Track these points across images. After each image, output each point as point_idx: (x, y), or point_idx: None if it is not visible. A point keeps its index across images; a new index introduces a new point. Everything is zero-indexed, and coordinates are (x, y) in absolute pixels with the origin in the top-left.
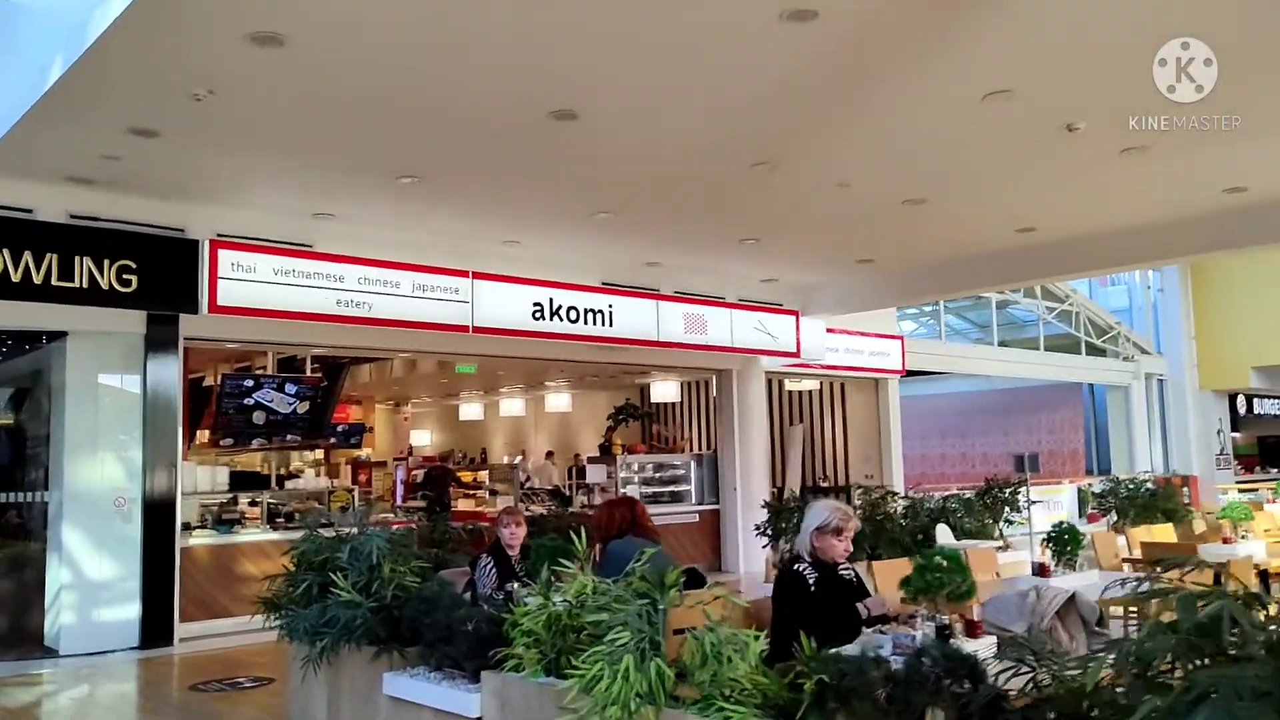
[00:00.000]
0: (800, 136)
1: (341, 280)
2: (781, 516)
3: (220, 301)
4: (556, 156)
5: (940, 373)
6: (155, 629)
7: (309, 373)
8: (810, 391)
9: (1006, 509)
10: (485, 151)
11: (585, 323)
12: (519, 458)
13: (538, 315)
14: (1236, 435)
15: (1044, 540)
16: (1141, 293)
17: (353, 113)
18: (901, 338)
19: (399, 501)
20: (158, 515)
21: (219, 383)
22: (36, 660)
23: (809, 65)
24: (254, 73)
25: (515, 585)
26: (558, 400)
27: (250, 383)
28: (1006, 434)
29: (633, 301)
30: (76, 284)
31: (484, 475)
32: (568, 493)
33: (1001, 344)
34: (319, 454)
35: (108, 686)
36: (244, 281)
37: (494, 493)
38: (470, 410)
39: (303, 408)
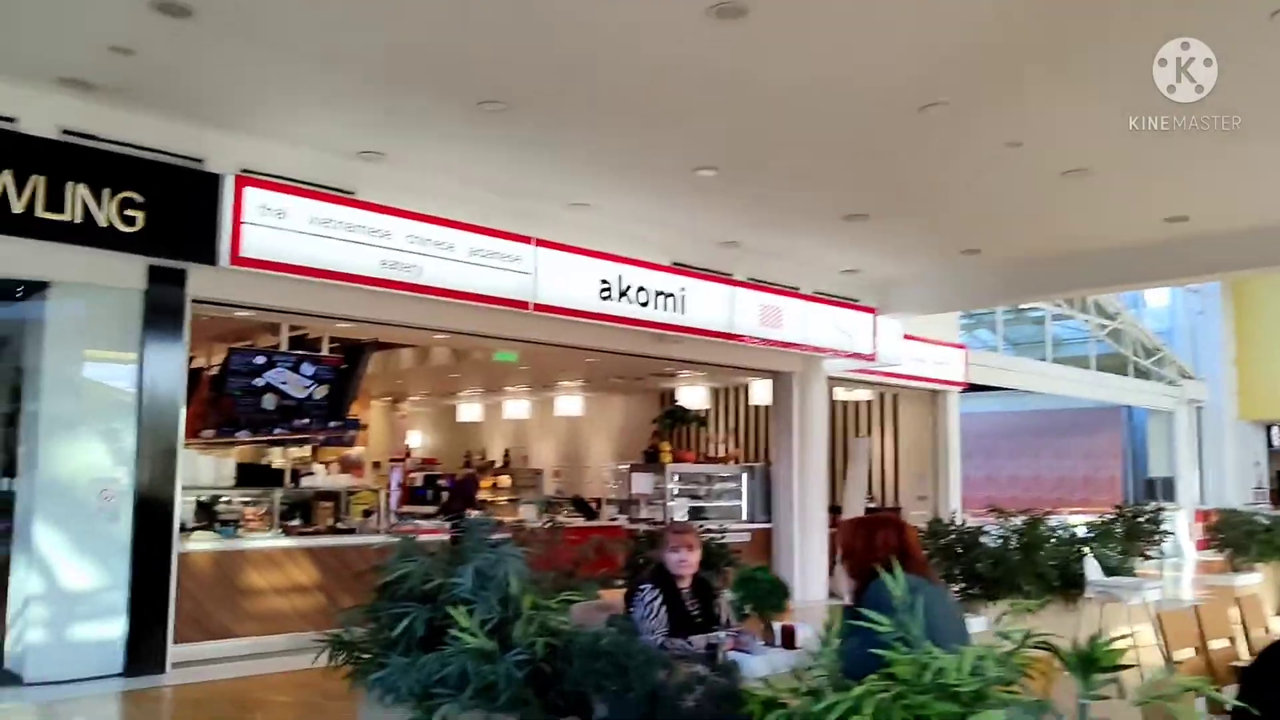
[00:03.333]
0: (1000, 71)
1: (388, 236)
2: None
3: (244, 252)
4: (694, 75)
5: (966, 390)
6: (144, 652)
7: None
8: (860, 403)
9: (1148, 540)
10: (604, 66)
11: (655, 307)
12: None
13: (605, 295)
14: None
15: None
16: (1182, 314)
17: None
18: (965, 347)
19: (393, 507)
20: (152, 513)
21: (225, 359)
22: None
23: None
24: None
25: (722, 637)
26: (568, 404)
27: (262, 360)
28: (1036, 457)
29: (707, 286)
30: (68, 217)
31: (504, 480)
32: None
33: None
34: (305, 451)
35: None
36: (274, 229)
37: (514, 501)
38: (469, 411)
39: (320, 392)
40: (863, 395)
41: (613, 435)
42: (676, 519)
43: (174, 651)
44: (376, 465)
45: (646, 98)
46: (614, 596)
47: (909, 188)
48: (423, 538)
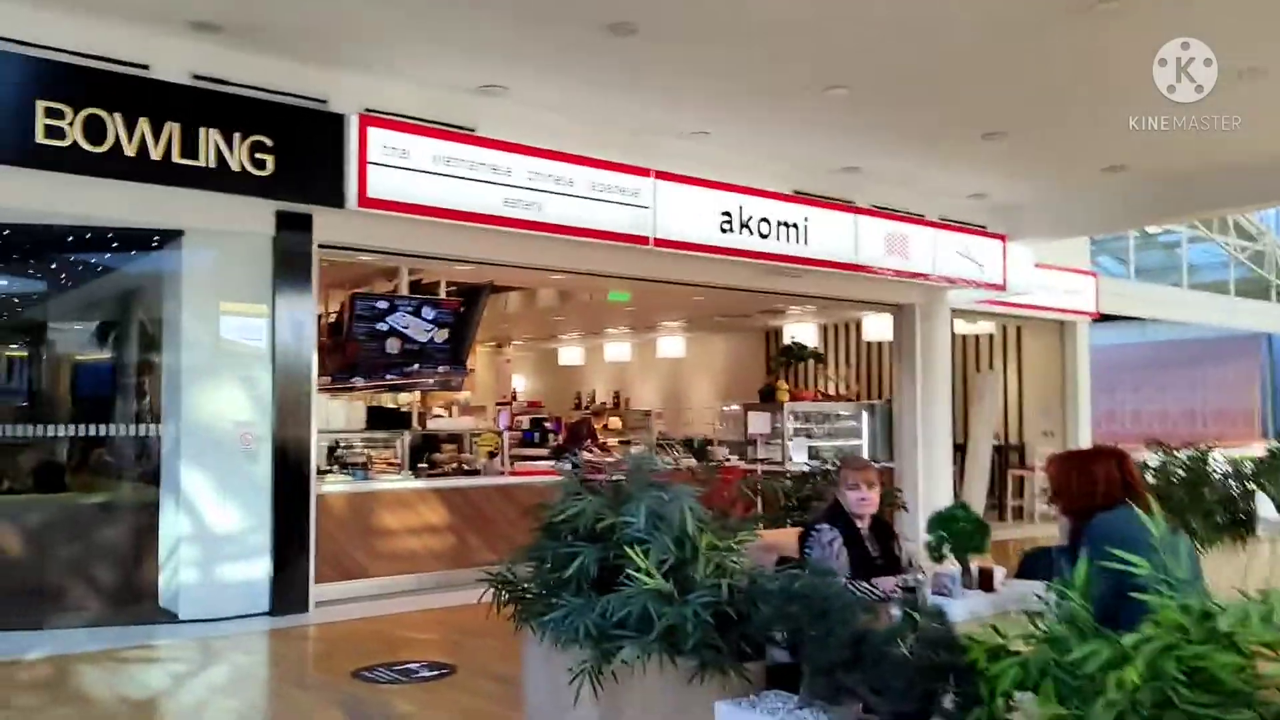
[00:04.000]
0: None
1: (509, 174)
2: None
3: (371, 193)
4: None
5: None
6: (288, 592)
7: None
8: (981, 336)
9: None
10: None
11: (777, 238)
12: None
13: (726, 227)
14: None
15: None
16: None
17: None
18: (1095, 274)
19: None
20: (289, 456)
21: (346, 304)
22: (154, 626)
23: None
24: None
25: (921, 579)
26: (670, 345)
27: (384, 304)
28: (1162, 390)
29: (829, 215)
30: (202, 162)
31: (615, 423)
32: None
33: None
34: (415, 396)
35: (251, 668)
36: (397, 169)
37: (627, 443)
38: (570, 354)
39: (441, 335)
40: (985, 328)
41: (715, 375)
42: (853, 457)
43: (314, 591)
44: (482, 409)
45: (780, 11)
46: (772, 537)
47: (1058, 100)
48: (544, 479)
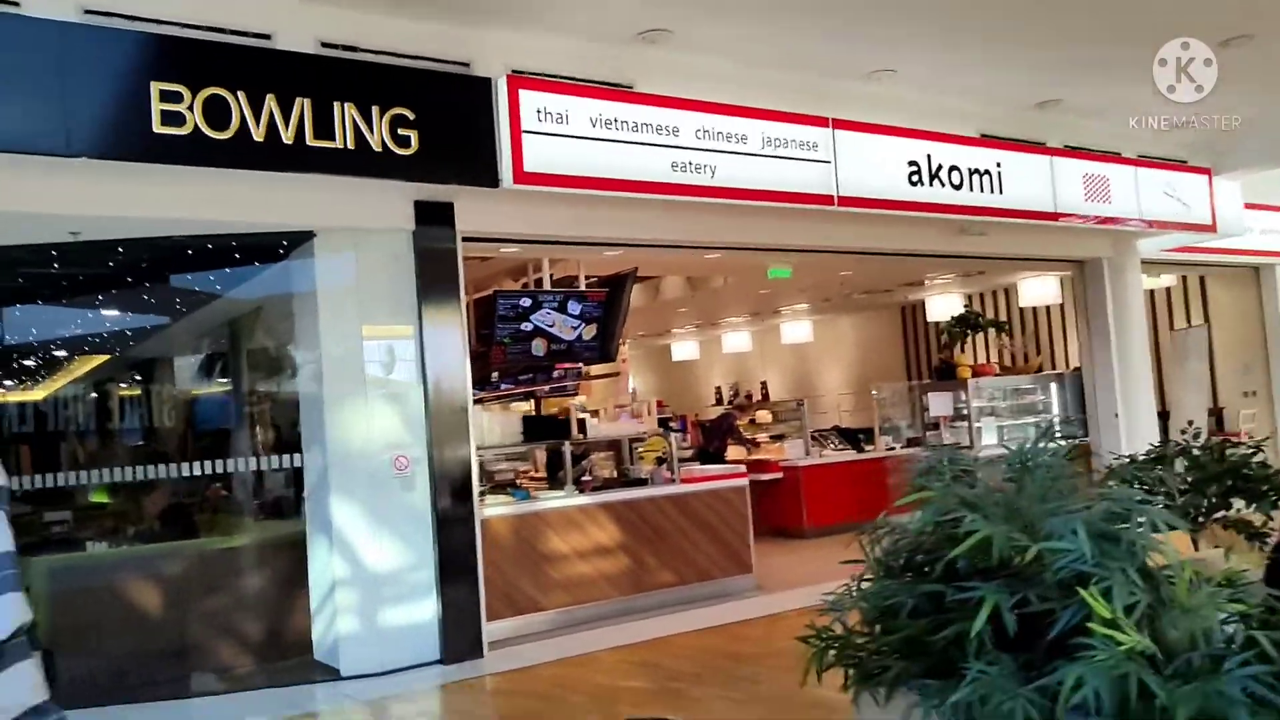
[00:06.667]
0: None
1: (676, 134)
2: None
3: (528, 166)
4: None
5: None
6: (459, 636)
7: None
8: (1155, 290)
9: None
10: None
11: (970, 188)
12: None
13: (915, 179)
14: None
15: None
16: None
17: None
18: None
19: None
20: (449, 479)
21: (484, 304)
22: (314, 685)
23: None
24: None
25: None
26: (795, 330)
27: (528, 302)
28: None
29: (1024, 158)
30: (339, 143)
31: (764, 416)
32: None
33: None
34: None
35: None
36: (554, 137)
37: (779, 437)
38: (684, 350)
39: (589, 332)
40: (1165, 281)
41: (846, 360)
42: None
43: (486, 629)
44: (597, 414)
45: None
46: None
47: None
48: (711, 485)
